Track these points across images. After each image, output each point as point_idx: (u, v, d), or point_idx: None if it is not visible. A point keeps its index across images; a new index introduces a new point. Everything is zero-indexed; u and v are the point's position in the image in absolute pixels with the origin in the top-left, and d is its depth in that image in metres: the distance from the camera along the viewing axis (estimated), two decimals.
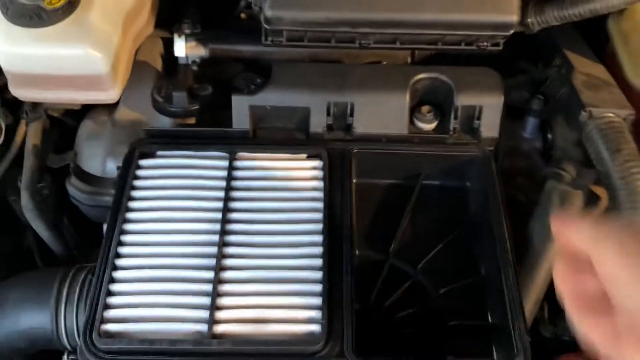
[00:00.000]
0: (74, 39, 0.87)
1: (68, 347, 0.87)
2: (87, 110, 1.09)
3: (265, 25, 0.95)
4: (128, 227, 0.86)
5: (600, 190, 0.92)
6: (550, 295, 0.96)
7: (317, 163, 0.94)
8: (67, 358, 0.86)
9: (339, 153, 0.95)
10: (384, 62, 1.11)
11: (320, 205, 0.89)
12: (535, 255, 0.88)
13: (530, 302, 0.88)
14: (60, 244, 1.06)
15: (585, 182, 0.90)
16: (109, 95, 0.93)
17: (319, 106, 0.95)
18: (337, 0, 0.94)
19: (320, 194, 0.90)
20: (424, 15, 0.93)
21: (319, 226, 0.87)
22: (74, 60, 0.88)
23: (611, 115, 0.89)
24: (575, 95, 0.92)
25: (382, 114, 0.96)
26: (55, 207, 1.06)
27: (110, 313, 0.79)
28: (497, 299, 0.83)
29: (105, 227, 0.88)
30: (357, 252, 0.91)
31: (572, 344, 0.98)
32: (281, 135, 0.98)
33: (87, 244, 1.11)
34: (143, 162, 0.93)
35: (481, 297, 0.88)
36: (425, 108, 0.98)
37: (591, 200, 0.93)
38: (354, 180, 0.96)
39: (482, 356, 0.83)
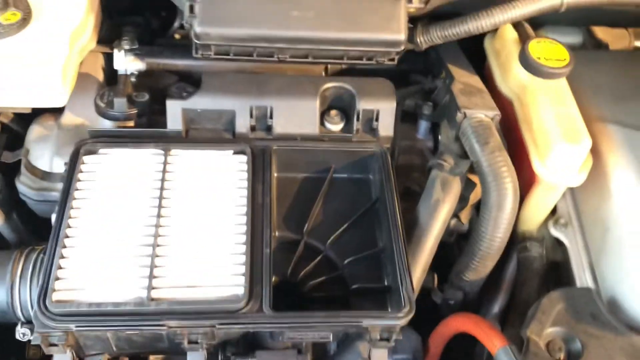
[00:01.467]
0: (27, 51, 1.01)
1: (22, 318, 0.98)
2: (33, 116, 1.22)
3: (195, 41, 1.10)
4: (75, 213, 0.99)
5: (475, 178, 1.11)
6: (437, 268, 1.14)
7: (242, 158, 1.09)
8: (21, 327, 0.97)
9: (261, 150, 1.11)
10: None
11: (244, 193, 1.05)
12: (420, 231, 1.06)
13: (419, 268, 1.05)
14: (12, 232, 1.17)
15: (461, 170, 1.09)
16: (59, 100, 1.06)
17: (243, 109, 1.11)
18: (257, 19, 1.11)
19: (244, 184, 1.06)
20: (327, 33, 1.12)
21: (243, 210, 1.03)
22: (27, 70, 1.01)
23: (481, 115, 1.09)
24: (454, 101, 1.12)
25: (297, 116, 1.13)
26: (7, 201, 1.17)
27: (61, 283, 0.92)
28: (391, 266, 1.01)
29: (54, 216, 1.00)
30: (276, 233, 1.07)
31: (457, 307, 1.16)
32: (210, 135, 1.13)
33: (34, 235, 1.22)
34: (87, 158, 1.06)
35: (379, 265, 1.05)
36: (333, 112, 1.16)
37: (468, 186, 1.12)
38: (275, 174, 1.12)
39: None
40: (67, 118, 1.19)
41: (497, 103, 1.13)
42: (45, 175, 1.12)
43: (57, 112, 1.20)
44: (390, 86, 1.17)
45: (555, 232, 1.16)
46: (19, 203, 1.18)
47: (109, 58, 1.28)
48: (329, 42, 1.13)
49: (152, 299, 0.91)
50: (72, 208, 1.00)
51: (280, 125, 1.13)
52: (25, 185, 1.14)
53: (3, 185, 1.15)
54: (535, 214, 1.17)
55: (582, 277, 1.10)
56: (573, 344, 0.97)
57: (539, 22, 1.28)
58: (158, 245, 0.97)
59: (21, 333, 0.97)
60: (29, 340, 0.96)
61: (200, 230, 1.00)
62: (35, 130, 1.19)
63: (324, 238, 1.08)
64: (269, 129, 1.13)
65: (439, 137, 1.22)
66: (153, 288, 0.92)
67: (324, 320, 0.93)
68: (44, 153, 1.15)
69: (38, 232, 1.21)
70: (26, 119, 1.24)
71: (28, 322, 0.98)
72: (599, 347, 0.96)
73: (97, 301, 0.91)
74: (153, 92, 1.19)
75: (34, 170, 1.11)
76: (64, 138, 1.16)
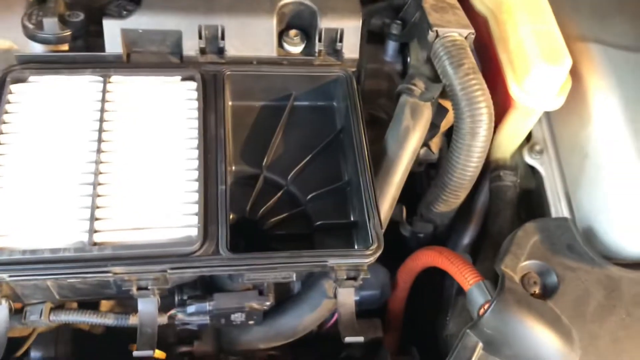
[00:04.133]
0: None
1: None
2: None
3: None
4: (4, 149, 0.88)
5: (447, 104, 1.03)
6: (405, 200, 1.07)
7: (191, 85, 0.99)
8: None
9: (212, 75, 1.00)
10: None
11: (195, 124, 0.95)
12: (389, 161, 0.98)
13: (387, 202, 0.98)
14: None
15: (432, 95, 1.01)
16: None
17: (190, 29, 0.99)
18: None
19: (195, 114, 0.96)
20: None
21: (194, 143, 0.93)
22: None
23: (455, 34, 1.00)
24: (425, 18, 1.02)
25: (252, 37, 1.02)
26: None
27: None
28: (357, 200, 0.94)
29: None
30: (233, 167, 0.98)
31: (427, 240, 1.11)
32: (155, 58, 1.01)
33: None
34: (15, 87, 0.94)
35: (344, 199, 0.98)
36: (292, 32, 1.05)
37: (439, 113, 1.04)
38: (229, 103, 1.02)
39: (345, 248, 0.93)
40: None
41: (470, 20, 1.03)
42: None
43: None
44: (355, 2, 1.05)
45: (530, 160, 1.10)
46: None
47: None
48: None
49: (95, 244, 0.82)
50: (0, 144, 0.88)
51: (233, 47, 1.01)
52: None
53: None
54: (509, 140, 1.10)
55: (558, 207, 1.05)
56: (549, 277, 0.92)
57: None
58: (99, 184, 0.87)
59: None
60: None
61: (147, 166, 0.90)
62: None
63: (285, 172, 0.99)
64: (220, 51, 1.01)
65: (408, 59, 1.12)
66: (95, 231, 0.83)
67: (285, 261, 0.86)
68: None
69: None
70: None
71: None
72: (576, 280, 0.92)
73: (33, 247, 0.81)
74: (89, 11, 1.06)
75: None
76: None
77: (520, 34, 0.99)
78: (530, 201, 1.12)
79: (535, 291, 0.91)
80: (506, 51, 1.02)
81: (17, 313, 0.89)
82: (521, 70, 0.98)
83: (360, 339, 0.89)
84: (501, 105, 1.04)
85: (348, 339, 0.88)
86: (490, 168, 1.12)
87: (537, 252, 0.94)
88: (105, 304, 1.06)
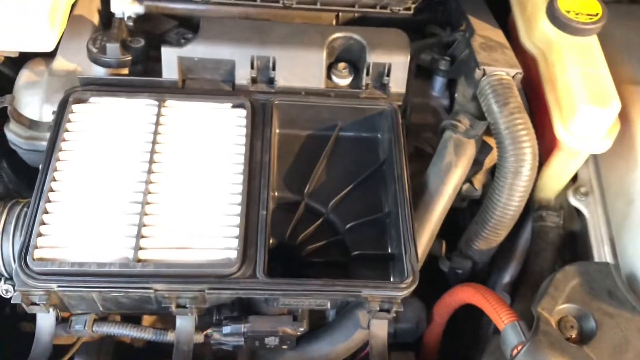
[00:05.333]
0: None
1: (5, 274, 0.94)
2: (25, 60, 1.15)
3: None
4: (61, 165, 0.93)
5: (491, 141, 1.03)
6: (446, 235, 1.08)
7: (241, 112, 1.02)
8: (4, 283, 0.93)
9: (262, 104, 1.04)
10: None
11: (242, 150, 0.98)
12: (429, 196, 0.99)
13: (426, 236, 0.98)
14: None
15: (477, 132, 1.01)
16: (46, 43, 0.99)
17: (243, 59, 1.03)
18: None
19: (242, 140, 0.99)
20: None
21: (240, 168, 0.96)
22: (12, 9, 0.94)
23: (502, 73, 1.00)
24: (473, 56, 1.03)
25: (302, 68, 1.05)
26: None
27: (44, 240, 0.87)
28: (395, 232, 0.95)
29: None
30: (275, 193, 1.01)
31: (465, 276, 1.10)
32: (208, 86, 1.06)
33: (26, 186, 1.17)
34: (77, 107, 0.99)
35: (383, 231, 0.99)
36: (341, 65, 1.07)
37: (483, 149, 1.04)
38: (277, 131, 1.05)
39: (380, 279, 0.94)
40: (59, 63, 1.12)
41: (519, 60, 1.04)
42: (33, 124, 1.05)
43: (49, 56, 1.13)
44: (405, 38, 1.07)
45: (574, 202, 1.08)
46: (10, 152, 1.13)
47: (106, 0, 1.20)
48: None
49: (139, 260, 0.86)
50: (58, 160, 0.94)
51: (283, 78, 1.05)
52: (14, 134, 1.08)
53: None
54: (554, 181, 1.09)
55: (601, 251, 1.03)
56: (587, 322, 0.90)
57: None
58: (147, 203, 0.91)
59: (4, 289, 0.92)
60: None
61: (193, 188, 0.93)
62: (25, 75, 1.12)
63: (326, 200, 1.01)
64: (271, 81, 1.05)
65: (455, 95, 1.13)
66: (140, 248, 0.87)
67: (320, 288, 0.88)
68: (33, 100, 1.09)
69: (33, 183, 1.16)
70: (19, 63, 1.17)
71: (11, 278, 0.93)
72: (614, 327, 0.90)
73: (81, 260, 0.85)
74: (150, 37, 1.12)
75: (20, 119, 1.04)
76: (55, 84, 1.09)
77: (569, 76, 0.99)
78: (573, 243, 1.10)
79: (571, 336, 0.89)
80: (554, 92, 1.02)
81: (63, 322, 0.93)
82: (568, 111, 0.98)
83: None
84: (547, 145, 1.04)
85: None
86: (533, 207, 1.11)
87: (575, 295, 0.92)
88: (147, 319, 1.10)
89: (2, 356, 1.08)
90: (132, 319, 1.05)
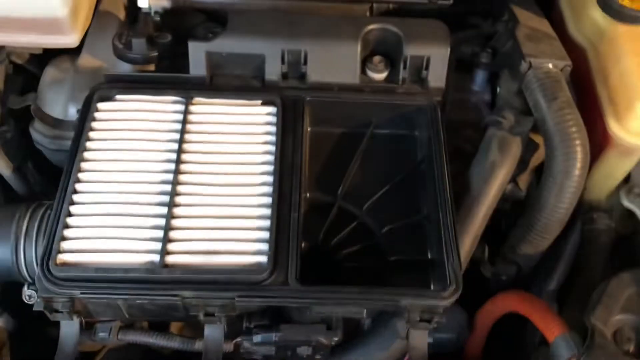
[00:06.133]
0: None
1: (28, 279, 0.91)
2: (51, 57, 1.12)
3: None
4: (86, 165, 0.90)
5: (538, 138, 0.97)
6: (490, 237, 1.01)
7: (271, 109, 0.97)
8: (28, 289, 0.90)
9: (293, 101, 0.99)
10: None
11: (272, 149, 0.93)
12: (472, 198, 0.93)
13: (468, 241, 0.93)
14: (23, 184, 1.09)
15: (523, 129, 0.95)
16: (69, 39, 0.96)
17: (273, 54, 0.98)
18: None
19: (273, 139, 0.94)
20: None
21: (270, 168, 0.91)
22: (34, 3, 0.91)
23: (549, 65, 0.94)
24: (518, 47, 0.97)
25: (335, 63, 0.99)
26: (19, 150, 1.09)
27: (67, 244, 0.83)
28: (435, 237, 0.89)
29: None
30: (307, 194, 0.96)
31: (509, 283, 1.04)
32: (237, 82, 1.01)
33: (51, 187, 1.14)
34: (102, 105, 0.96)
35: (422, 235, 0.93)
36: (376, 58, 1.01)
37: (529, 147, 0.98)
38: (308, 129, 1.00)
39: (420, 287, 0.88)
40: (85, 60, 1.08)
41: (567, 51, 0.97)
42: (57, 123, 1.02)
43: (75, 53, 1.09)
44: (444, 29, 1.01)
45: (627, 203, 1.01)
46: (36, 152, 1.10)
47: None
48: None
49: (166, 265, 0.82)
50: (82, 160, 0.90)
51: (315, 73, 0.99)
52: (39, 133, 1.05)
53: (14, 135, 1.06)
54: (605, 181, 1.02)
55: None
56: None
57: None
58: (175, 205, 0.87)
59: (27, 295, 0.89)
60: None
61: (222, 189, 0.89)
62: (50, 73, 1.09)
63: (361, 202, 0.96)
64: (302, 76, 1.00)
65: (498, 90, 1.06)
66: (167, 253, 0.83)
67: (355, 297, 0.83)
68: (59, 98, 1.06)
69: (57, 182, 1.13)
70: (44, 61, 1.14)
71: (35, 283, 0.90)
72: None
73: (106, 265, 0.82)
74: (178, 32, 1.07)
75: (44, 118, 1.02)
76: (81, 82, 1.06)
77: (623, 68, 0.92)
78: (627, 248, 1.03)
79: (629, 349, 0.83)
80: (606, 85, 0.95)
81: (88, 328, 0.90)
82: (622, 107, 0.91)
83: None
84: (598, 143, 0.97)
85: None
86: (583, 209, 1.04)
87: (632, 305, 0.86)
88: (175, 326, 1.06)
89: None
90: (160, 324, 1.02)
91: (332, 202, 0.96)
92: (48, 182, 1.15)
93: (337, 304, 0.83)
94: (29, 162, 1.13)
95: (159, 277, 0.81)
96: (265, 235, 0.85)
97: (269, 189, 0.89)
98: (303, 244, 0.90)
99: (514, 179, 1.02)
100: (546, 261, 1.05)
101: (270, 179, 0.90)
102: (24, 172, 1.11)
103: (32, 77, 1.14)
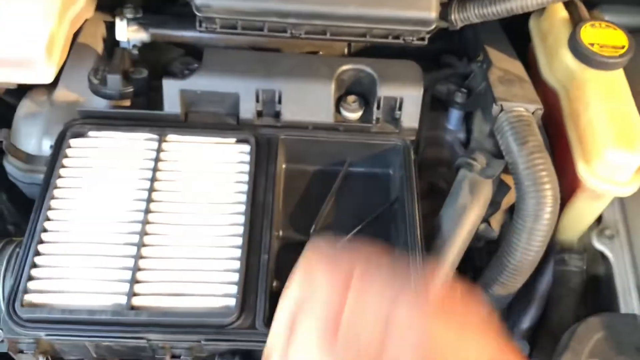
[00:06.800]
0: (6, 22, 0.90)
1: None
2: (28, 89, 1.12)
3: (197, 13, 0.98)
4: (55, 203, 0.89)
5: (509, 180, 0.97)
6: (462, 273, 1.01)
7: (244, 147, 0.98)
8: None
9: (267, 139, 0.99)
10: (321, 53, 1.16)
11: (245, 188, 0.93)
12: (443, 239, 0.93)
13: (439, 280, 0.92)
14: None
15: (494, 171, 0.95)
16: (43, 76, 0.96)
17: (248, 92, 0.99)
18: None
19: (245, 178, 0.94)
20: (347, 10, 0.98)
21: (242, 208, 0.91)
22: (8, 40, 0.91)
23: (521, 109, 0.95)
24: (490, 90, 0.98)
25: (309, 102, 1.00)
26: None
27: (34, 284, 0.82)
28: None
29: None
30: (280, 233, 0.96)
31: None
32: (212, 119, 1.01)
33: (25, 221, 1.13)
34: (74, 141, 0.96)
35: None
36: (350, 98, 1.02)
37: (501, 189, 0.98)
38: (283, 166, 1.00)
39: None
40: (61, 94, 1.07)
41: (539, 94, 0.98)
42: (30, 158, 1.02)
43: (51, 86, 1.09)
44: (417, 70, 1.02)
45: (598, 245, 1.01)
46: (10, 184, 1.09)
47: (111, 27, 1.16)
48: (348, 19, 0.99)
49: (132, 307, 0.81)
50: (52, 198, 0.90)
51: (289, 112, 1.00)
52: (12, 166, 1.05)
53: None
54: (576, 222, 1.03)
55: (628, 300, 0.96)
56: None
57: (595, 1, 1.11)
58: (144, 245, 0.86)
59: None
60: None
61: (192, 230, 0.89)
62: (25, 106, 1.08)
63: (334, 241, 0.95)
64: (277, 115, 1.00)
65: (473, 130, 1.07)
66: (134, 295, 0.82)
67: None
68: (33, 131, 1.05)
69: None
70: (23, 92, 1.13)
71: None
72: None
73: (72, 307, 0.81)
74: (156, 66, 1.08)
75: (17, 153, 1.01)
76: (56, 116, 1.05)
77: (593, 113, 0.93)
78: (598, 290, 1.03)
79: None
80: (576, 129, 0.96)
81: None
82: (591, 152, 0.92)
83: None
84: (569, 184, 0.97)
85: None
86: (555, 250, 1.05)
87: (599, 351, 0.86)
88: None
89: None
90: None
91: (305, 240, 0.96)
92: (23, 215, 1.15)
93: None
94: (3, 194, 1.12)
95: (125, 320, 0.80)
96: (235, 277, 0.84)
97: (239, 230, 0.89)
98: (275, 284, 0.90)
99: (486, 220, 1.02)
100: (519, 300, 1.05)
101: (241, 219, 0.90)
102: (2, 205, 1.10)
103: (10, 108, 1.14)
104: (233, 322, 0.81)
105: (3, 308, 0.81)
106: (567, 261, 1.02)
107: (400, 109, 1.00)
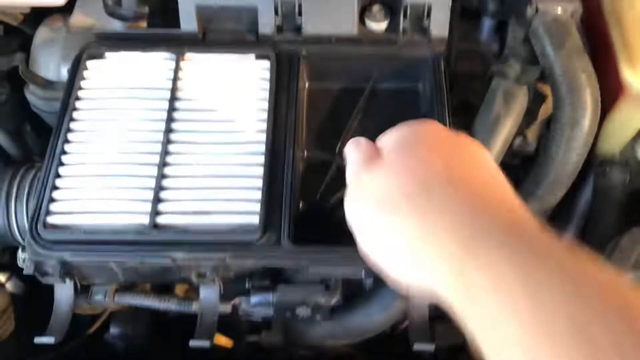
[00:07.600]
0: None
1: (21, 242, 0.90)
2: (44, 17, 1.09)
3: None
4: (75, 125, 0.88)
5: (546, 88, 0.91)
6: None
7: (264, 64, 0.94)
8: (22, 252, 0.89)
9: (289, 55, 0.95)
10: None
11: (265, 105, 0.90)
12: None
13: None
14: (18, 148, 1.08)
15: (529, 78, 0.89)
16: None
17: (266, 5, 0.94)
18: None
19: (266, 95, 0.91)
20: None
21: (263, 125, 0.88)
22: None
23: (557, 10, 0.88)
24: None
25: (331, 13, 0.95)
26: (16, 113, 1.07)
27: (56, 206, 0.81)
28: None
29: None
30: (305, 153, 0.92)
31: None
32: (231, 37, 0.97)
33: None
34: (91, 63, 0.93)
35: None
36: (375, 7, 0.96)
37: (536, 98, 0.93)
38: (306, 84, 0.96)
39: None
40: (77, 18, 1.05)
41: None
42: (49, 84, 1.00)
43: (68, 12, 1.06)
44: None
45: None
46: (34, 115, 1.08)
47: None
48: None
49: (156, 226, 0.80)
50: (71, 120, 0.88)
51: (311, 24, 0.95)
52: (33, 95, 1.03)
53: (9, 98, 1.04)
54: (619, 132, 0.96)
55: None
56: None
57: None
58: (165, 165, 0.84)
59: (22, 259, 0.88)
60: None
61: (214, 148, 0.86)
62: (42, 33, 1.06)
63: None
64: (297, 29, 0.95)
65: (507, 39, 1.00)
66: (158, 213, 0.81)
67: (351, 255, 0.79)
68: (51, 58, 1.03)
69: None
70: (40, 21, 1.11)
71: None
72: None
73: (95, 227, 0.80)
74: None
75: (34, 79, 0.99)
76: (73, 42, 1.02)
77: (638, 10, 0.86)
78: None
79: None
80: (620, 28, 0.89)
81: (85, 292, 0.89)
82: (636, 54, 0.85)
83: (431, 347, 0.81)
84: (611, 91, 0.91)
85: (417, 346, 0.81)
86: (596, 162, 0.99)
87: None
88: (180, 288, 1.05)
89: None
90: (163, 287, 1.01)
91: (330, 160, 0.93)
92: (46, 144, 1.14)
93: (332, 265, 0.81)
94: (26, 124, 1.11)
95: (148, 239, 0.79)
96: (257, 195, 0.82)
97: (261, 148, 0.86)
98: (301, 204, 0.87)
99: (522, 132, 0.97)
100: (557, 217, 1.01)
101: (262, 136, 0.87)
102: (22, 136, 1.09)
103: (28, 39, 1.12)
104: (258, 239, 0.79)
105: (27, 232, 0.81)
106: (609, 174, 0.97)
107: (428, 16, 0.94)
